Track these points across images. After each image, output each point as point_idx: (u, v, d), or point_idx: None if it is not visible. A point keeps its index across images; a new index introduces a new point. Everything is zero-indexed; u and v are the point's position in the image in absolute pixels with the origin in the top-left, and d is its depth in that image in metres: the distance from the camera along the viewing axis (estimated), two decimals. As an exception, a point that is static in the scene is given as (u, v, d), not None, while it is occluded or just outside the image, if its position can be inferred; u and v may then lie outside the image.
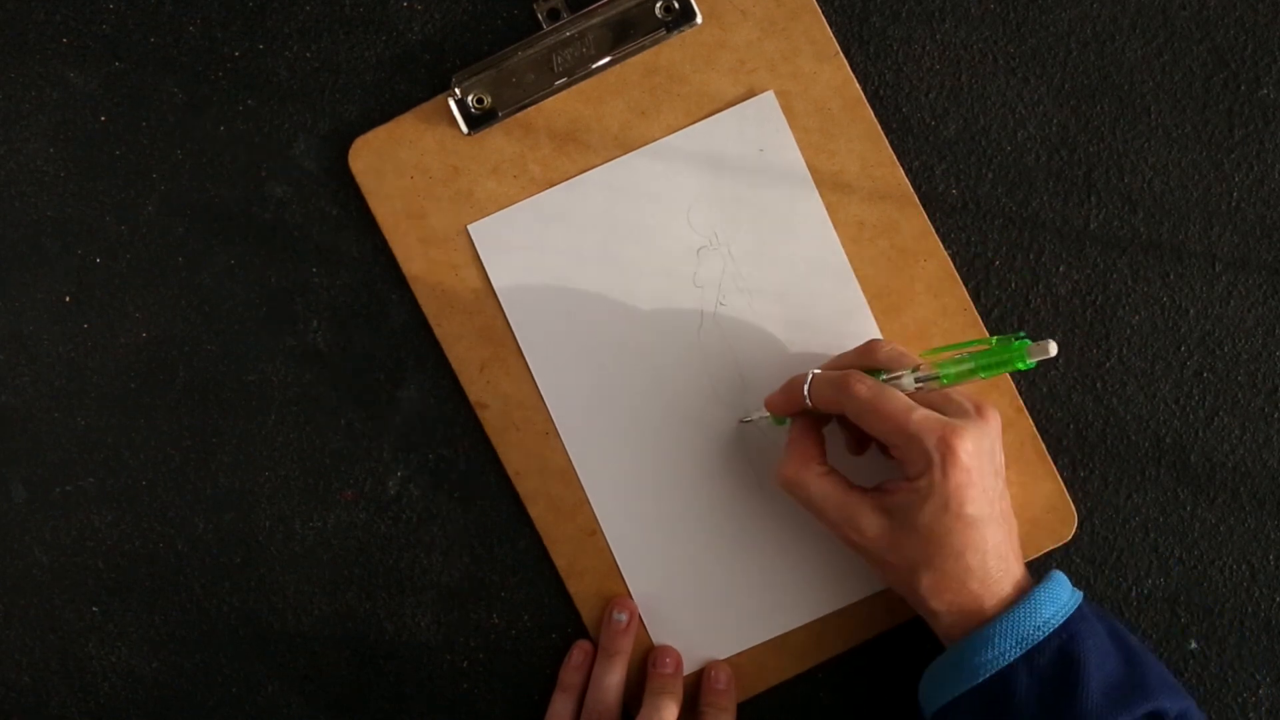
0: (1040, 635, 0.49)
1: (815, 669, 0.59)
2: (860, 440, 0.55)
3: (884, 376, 0.52)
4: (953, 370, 0.50)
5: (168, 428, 0.59)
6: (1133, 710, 0.49)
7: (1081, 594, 0.52)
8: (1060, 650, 0.49)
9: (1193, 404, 0.58)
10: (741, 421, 0.57)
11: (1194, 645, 0.58)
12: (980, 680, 0.50)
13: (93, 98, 0.59)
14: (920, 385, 0.51)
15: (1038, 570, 0.55)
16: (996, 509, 0.51)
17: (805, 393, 0.52)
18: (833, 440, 0.55)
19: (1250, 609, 0.58)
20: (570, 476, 0.58)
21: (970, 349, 0.51)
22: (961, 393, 0.52)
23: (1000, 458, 0.52)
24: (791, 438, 0.54)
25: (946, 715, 0.51)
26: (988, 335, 0.57)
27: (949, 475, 0.49)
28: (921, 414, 0.50)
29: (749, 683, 0.58)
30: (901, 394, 0.51)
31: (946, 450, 0.49)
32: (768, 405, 0.55)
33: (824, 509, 0.52)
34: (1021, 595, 0.51)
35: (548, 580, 0.59)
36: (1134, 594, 0.58)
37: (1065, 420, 0.58)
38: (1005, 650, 0.49)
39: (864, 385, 0.51)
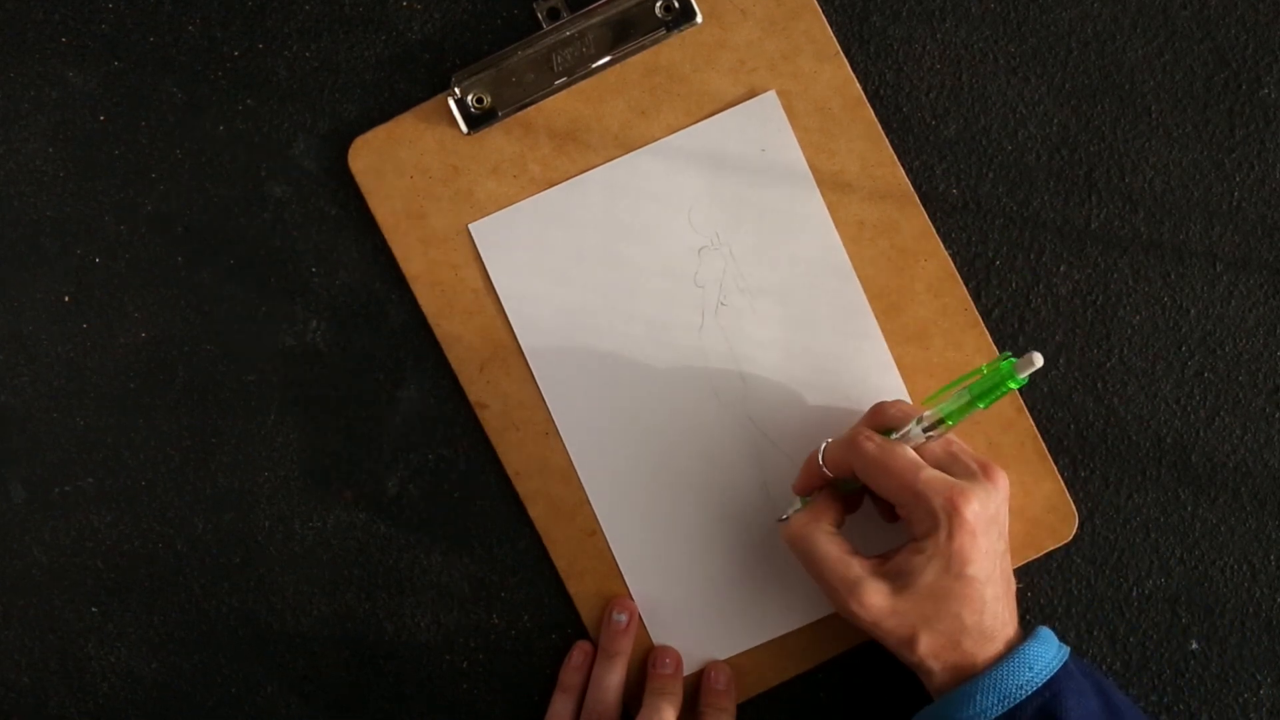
0: (1023, 694, 0.50)
1: (815, 670, 0.58)
2: (888, 507, 0.55)
3: (894, 435, 0.52)
4: (953, 408, 0.50)
5: (167, 428, 0.59)
6: None
7: (1068, 650, 0.52)
8: (1042, 709, 0.49)
9: (1194, 404, 0.58)
10: (780, 520, 0.55)
11: (1195, 645, 0.58)
12: None
13: (92, 97, 0.58)
14: (930, 434, 0.51)
15: (1028, 600, 0.55)
16: (997, 570, 0.51)
17: (820, 460, 0.53)
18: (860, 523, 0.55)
19: (1251, 609, 0.58)
20: (570, 477, 0.58)
21: (964, 383, 0.50)
22: (969, 454, 0.52)
23: (1005, 519, 0.52)
24: (814, 499, 0.54)
25: None
26: (988, 339, 0.57)
27: (954, 536, 0.49)
28: (929, 474, 0.50)
29: (749, 683, 0.58)
30: (911, 452, 0.51)
31: (953, 511, 0.49)
32: (795, 490, 0.55)
33: (823, 568, 0.52)
34: (1009, 651, 0.51)
35: (548, 580, 0.59)
36: (1135, 594, 0.58)
37: (1066, 420, 0.58)
38: (988, 707, 0.50)
39: (872, 443, 0.51)
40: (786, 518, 0.54)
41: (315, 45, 0.58)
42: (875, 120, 0.57)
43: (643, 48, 0.57)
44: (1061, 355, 0.58)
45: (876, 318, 0.58)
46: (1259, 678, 0.58)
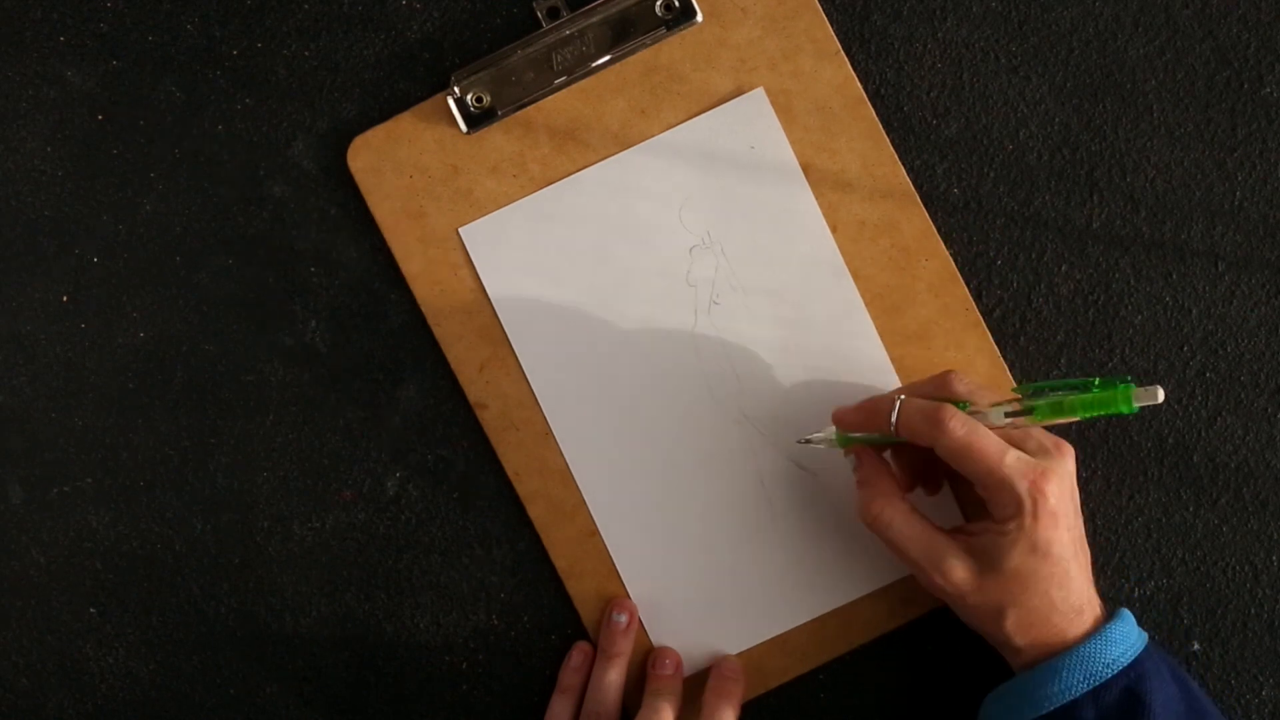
0: (1109, 673, 0.50)
1: (816, 670, 0.58)
2: (915, 477, 0.55)
3: (968, 409, 0.51)
4: (1045, 406, 0.50)
5: (166, 428, 0.59)
6: None
7: (1147, 634, 0.52)
8: (1127, 690, 0.50)
9: (1195, 404, 0.58)
10: (800, 441, 0.55)
11: (1196, 646, 0.58)
12: (1045, 711, 0.50)
13: (90, 96, 0.58)
14: (1008, 421, 0.51)
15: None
16: (1078, 545, 0.51)
17: (892, 420, 0.52)
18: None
19: (1253, 610, 0.58)
20: (569, 477, 0.58)
21: (1069, 388, 0.50)
22: (1038, 431, 0.52)
23: (1077, 493, 0.52)
24: (866, 472, 0.53)
25: None
26: (989, 339, 0.57)
27: (1039, 520, 0.49)
28: (1013, 456, 0.50)
29: (749, 684, 0.58)
30: (994, 435, 0.50)
31: (1037, 494, 0.49)
32: (837, 420, 0.54)
33: (908, 548, 0.52)
34: (1092, 629, 0.51)
35: (547, 581, 0.59)
36: (1136, 595, 0.58)
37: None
38: (1073, 684, 0.50)
39: (959, 422, 0.50)
40: (810, 440, 0.54)
41: (314, 44, 0.58)
42: (876, 119, 0.57)
43: (643, 46, 0.57)
44: (1063, 355, 0.58)
45: (877, 318, 0.57)
46: (1261, 679, 0.58)
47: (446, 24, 0.58)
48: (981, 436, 0.50)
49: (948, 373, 0.53)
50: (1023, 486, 0.49)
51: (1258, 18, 0.58)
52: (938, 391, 0.52)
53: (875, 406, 0.53)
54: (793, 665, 0.58)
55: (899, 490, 0.53)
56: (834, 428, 0.55)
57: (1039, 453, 0.51)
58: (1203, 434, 0.58)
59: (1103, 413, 0.49)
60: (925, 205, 0.57)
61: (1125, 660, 0.50)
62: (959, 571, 0.51)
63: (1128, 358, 0.58)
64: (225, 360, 0.59)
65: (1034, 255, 0.58)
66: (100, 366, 0.59)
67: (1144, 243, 0.58)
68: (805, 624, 0.58)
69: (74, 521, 0.59)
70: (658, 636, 0.58)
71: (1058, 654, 0.50)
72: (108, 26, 0.58)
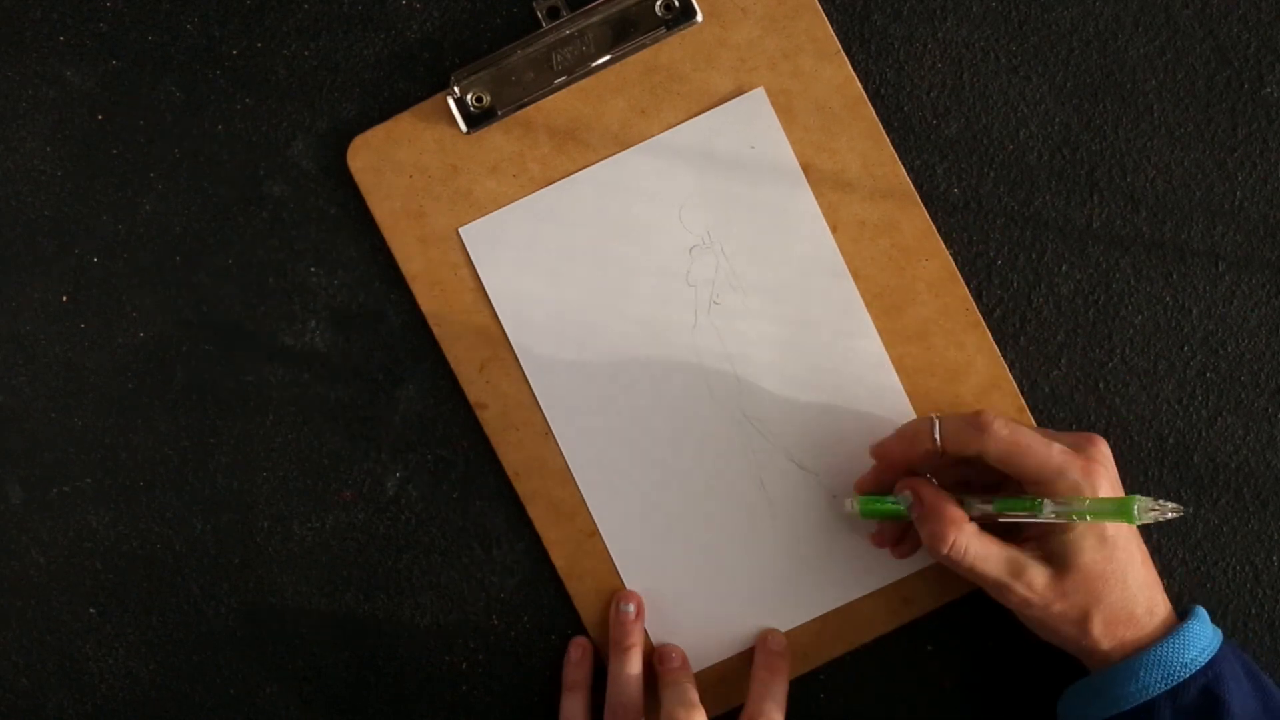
0: (1186, 673, 0.50)
1: (816, 670, 0.58)
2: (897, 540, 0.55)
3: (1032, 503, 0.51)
4: (1067, 509, 0.50)
5: (165, 428, 0.59)
6: None
7: (1221, 632, 0.52)
8: (1205, 690, 0.50)
9: (1196, 404, 0.58)
10: (847, 513, 0.56)
11: (1197, 647, 0.58)
12: (1123, 710, 0.50)
13: (90, 96, 0.58)
14: (1055, 514, 0.50)
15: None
16: (1135, 532, 0.51)
17: (936, 436, 0.51)
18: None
19: (1254, 610, 0.58)
20: (569, 477, 0.58)
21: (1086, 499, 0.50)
22: (1060, 434, 0.52)
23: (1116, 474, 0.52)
24: (929, 505, 0.52)
25: None
26: (989, 339, 0.57)
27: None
28: (1059, 448, 0.50)
29: (748, 684, 0.58)
30: (1034, 431, 0.51)
31: (1094, 481, 0.49)
32: (878, 454, 0.54)
33: (989, 569, 0.51)
34: (1168, 629, 0.51)
35: (547, 581, 0.59)
36: (1136, 595, 0.58)
37: (1068, 420, 0.58)
38: (1150, 684, 0.50)
39: (1002, 423, 0.50)
40: (850, 510, 0.55)
41: (314, 44, 0.58)
42: (876, 119, 0.57)
43: (643, 46, 0.57)
44: (1063, 355, 0.58)
45: (877, 317, 0.57)
46: (1261, 679, 0.58)
47: (446, 24, 0.58)
48: (1026, 433, 0.50)
49: (981, 413, 0.52)
50: (1077, 475, 0.49)
51: (1258, 17, 0.57)
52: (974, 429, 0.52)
53: (914, 429, 0.53)
54: (793, 665, 0.58)
55: (964, 515, 0.52)
56: (855, 497, 0.55)
57: (1076, 447, 0.51)
58: (1203, 434, 0.58)
59: (1111, 519, 0.49)
60: (925, 205, 0.57)
61: (1203, 660, 0.50)
62: (1040, 579, 0.50)
63: (1128, 358, 0.58)
64: (225, 360, 0.59)
65: (1034, 255, 0.58)
66: (100, 366, 0.59)
67: (1144, 243, 0.58)
68: (805, 624, 0.58)
69: (74, 521, 0.59)
70: (658, 636, 0.58)
71: (1135, 653, 0.50)
72: (107, 26, 0.58)
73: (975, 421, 0.51)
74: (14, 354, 0.59)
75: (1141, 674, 0.50)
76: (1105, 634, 0.51)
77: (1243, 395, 0.58)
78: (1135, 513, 0.48)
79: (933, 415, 0.52)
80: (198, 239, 0.58)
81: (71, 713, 0.60)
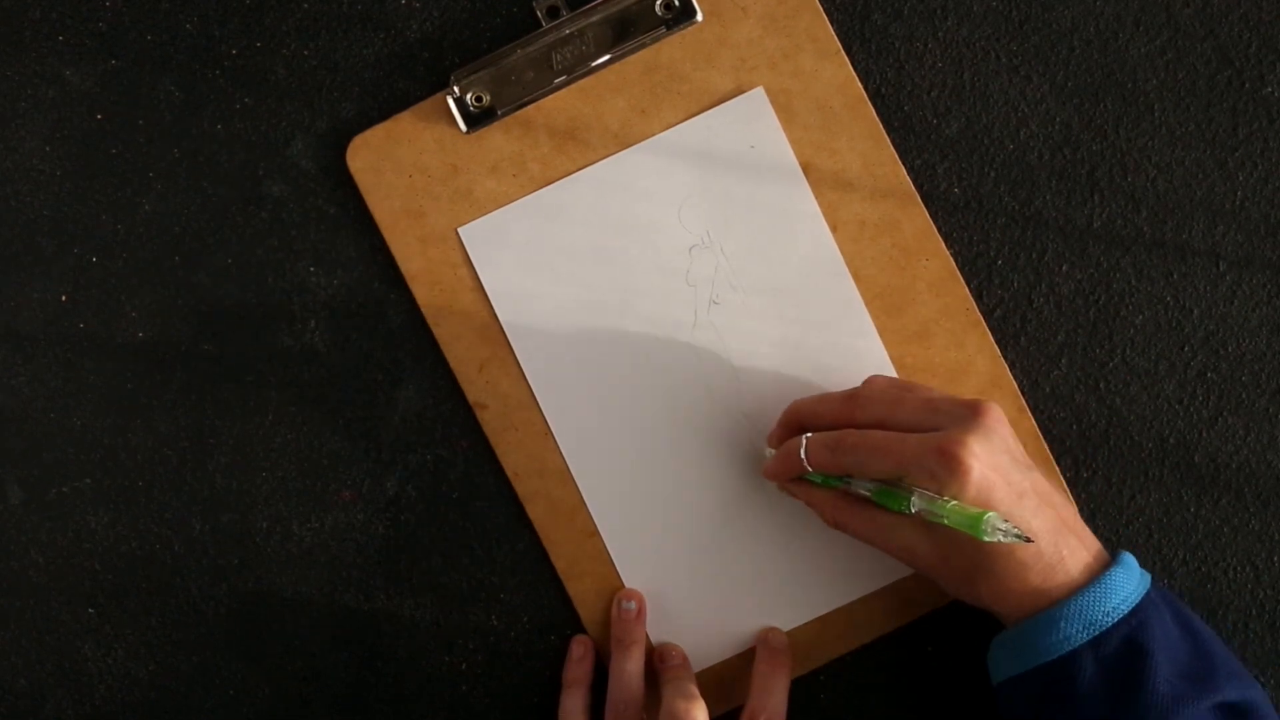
0: (1108, 622, 0.49)
1: (816, 670, 0.58)
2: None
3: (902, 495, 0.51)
4: (923, 503, 0.49)
5: (165, 428, 0.59)
6: (1199, 702, 0.48)
7: (1149, 577, 0.51)
8: (1127, 639, 0.49)
9: (1196, 404, 0.58)
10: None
11: (1198, 647, 0.58)
12: (1045, 661, 0.50)
13: (89, 96, 0.58)
14: (922, 512, 0.50)
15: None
16: (1030, 498, 0.50)
17: (803, 457, 0.53)
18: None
19: (1255, 610, 0.58)
20: (569, 477, 0.58)
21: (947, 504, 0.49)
22: (950, 400, 0.52)
23: (1016, 445, 0.51)
24: (804, 497, 0.55)
25: (1011, 687, 0.52)
26: (990, 339, 0.57)
27: (964, 486, 0.48)
28: (914, 439, 0.49)
29: (748, 685, 0.58)
30: (889, 432, 0.50)
31: (952, 462, 0.48)
32: (765, 473, 0.56)
33: (873, 541, 0.53)
34: (1090, 578, 0.50)
35: (547, 582, 0.59)
36: (1137, 595, 0.58)
37: (1068, 420, 0.58)
38: (1071, 634, 0.49)
39: (855, 436, 0.51)
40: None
41: (313, 44, 0.58)
42: (876, 119, 0.57)
43: (643, 46, 0.57)
44: (1064, 355, 0.58)
45: (878, 317, 0.57)
46: (1262, 679, 0.58)
47: (446, 23, 0.58)
48: (878, 436, 0.50)
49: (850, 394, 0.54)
50: (932, 460, 0.48)
51: (1259, 17, 0.57)
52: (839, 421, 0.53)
53: (786, 451, 0.54)
54: (793, 665, 0.58)
55: (837, 494, 0.53)
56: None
57: (951, 422, 0.50)
58: (1204, 434, 0.58)
59: (963, 527, 0.48)
60: (926, 205, 0.57)
61: (1125, 608, 0.49)
62: (920, 546, 0.51)
63: (1128, 358, 0.58)
64: (224, 360, 0.58)
65: (1035, 255, 0.58)
66: (99, 366, 0.59)
67: (1145, 242, 0.58)
68: (805, 624, 0.58)
69: (73, 522, 0.59)
70: (658, 636, 0.58)
71: (1055, 603, 0.50)
72: (106, 26, 0.58)
73: (829, 443, 0.52)
74: (13, 354, 0.59)
75: (1061, 624, 0.49)
76: (996, 599, 0.50)
77: (1243, 395, 0.58)
78: (985, 529, 0.47)
79: (804, 435, 0.53)
80: (197, 239, 0.58)
81: (70, 713, 0.59)
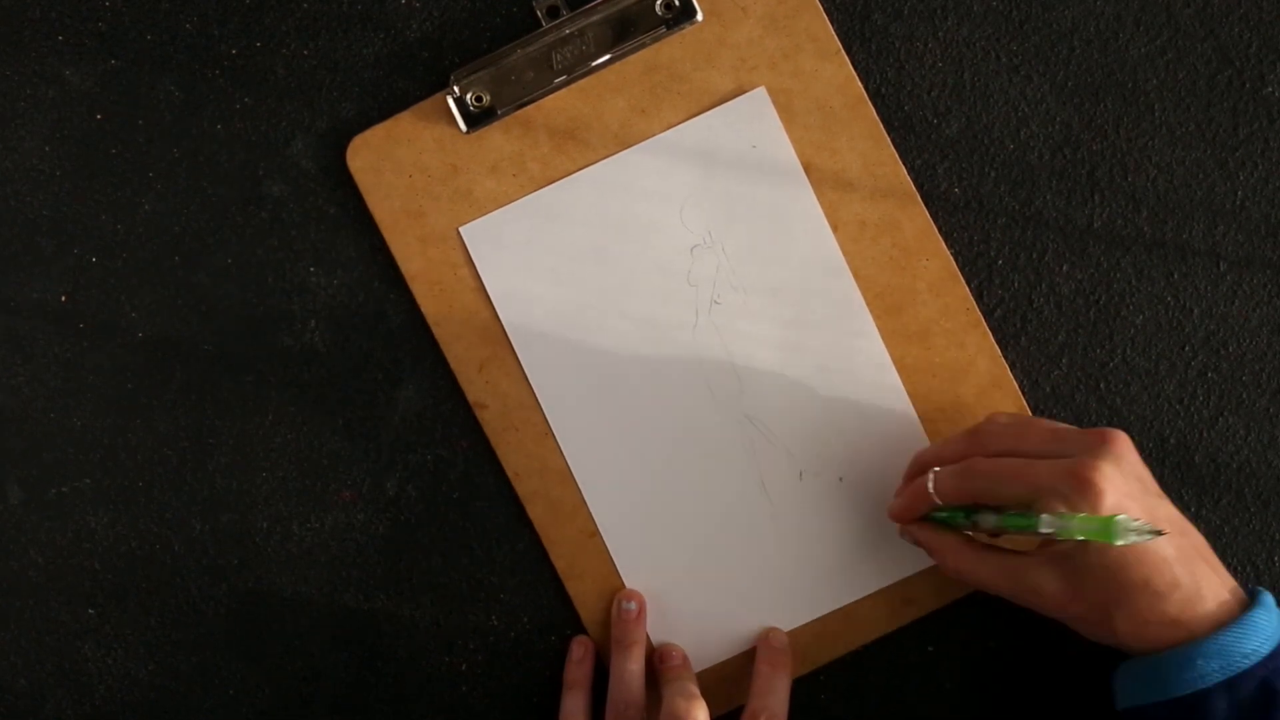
0: (1246, 664, 0.48)
1: (816, 671, 0.58)
2: None
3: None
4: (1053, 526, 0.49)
5: (164, 428, 0.59)
6: None
7: None
8: (1264, 683, 0.48)
9: (1197, 404, 0.58)
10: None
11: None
12: (1176, 695, 0.49)
13: (89, 96, 0.58)
14: (1051, 531, 0.49)
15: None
16: (1164, 524, 0.49)
17: (931, 490, 0.52)
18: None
19: (1255, 611, 0.58)
20: (569, 477, 0.58)
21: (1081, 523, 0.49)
22: (1074, 430, 0.52)
23: (1146, 472, 0.51)
24: (923, 541, 0.54)
25: (1137, 716, 0.51)
26: (990, 339, 0.57)
27: (1098, 510, 0.47)
28: (1045, 464, 0.49)
29: (748, 685, 0.58)
30: (1018, 459, 0.50)
31: (1085, 486, 0.47)
32: (892, 515, 0.55)
33: (999, 586, 0.51)
34: (1229, 616, 0.49)
35: (547, 582, 0.59)
36: (1138, 595, 0.58)
37: (1069, 420, 0.58)
38: (1208, 673, 0.48)
39: (986, 462, 0.51)
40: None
41: (313, 43, 0.58)
42: (877, 119, 0.57)
43: (643, 46, 0.57)
44: (1064, 355, 0.58)
45: (878, 317, 0.57)
46: None
47: (446, 23, 0.58)
48: (1006, 462, 0.50)
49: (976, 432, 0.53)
50: (1063, 482, 0.48)
51: (1259, 17, 0.57)
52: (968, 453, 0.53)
53: (914, 492, 0.53)
54: (794, 665, 0.58)
55: (959, 539, 0.53)
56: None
57: (1080, 450, 0.49)
58: (1205, 434, 0.58)
59: (1094, 538, 0.47)
60: (926, 205, 0.57)
61: (1265, 650, 0.48)
62: (1050, 585, 0.50)
63: (1129, 358, 0.58)
64: (224, 360, 0.58)
65: (1035, 255, 0.58)
66: (99, 366, 0.59)
67: (1145, 242, 0.58)
68: (805, 624, 0.58)
69: (72, 522, 0.59)
70: (659, 637, 0.58)
71: (1190, 641, 0.49)
72: (106, 26, 0.58)
73: (958, 471, 0.51)
74: (13, 354, 0.59)
75: (1199, 662, 0.48)
76: (1132, 633, 0.49)
77: (1244, 395, 0.58)
78: (1116, 531, 0.46)
79: (931, 471, 0.52)
80: (197, 239, 0.58)
81: (70, 713, 0.59)
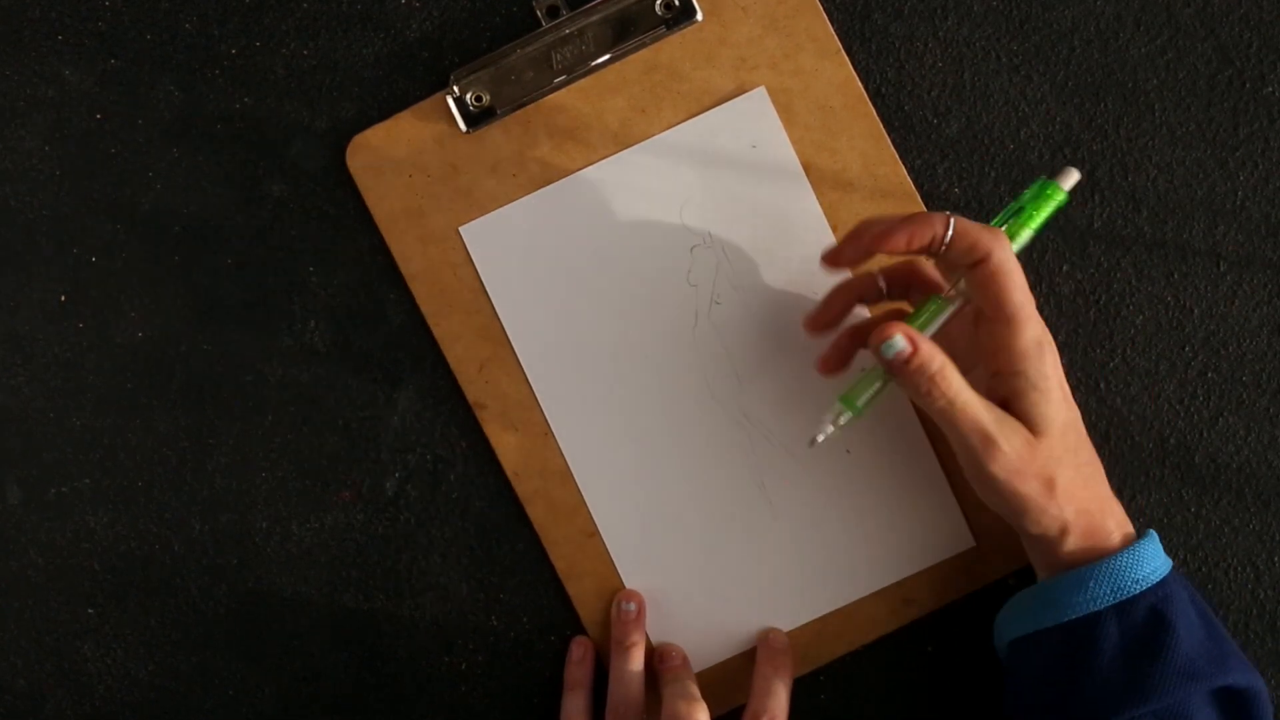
0: (1136, 589, 0.49)
1: (816, 671, 0.58)
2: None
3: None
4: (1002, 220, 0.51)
5: (164, 428, 0.59)
6: (1210, 681, 0.49)
7: (1171, 561, 0.52)
8: (1152, 609, 0.49)
9: (1197, 404, 0.58)
10: (813, 443, 0.52)
11: (1198, 647, 0.58)
12: (1066, 619, 0.50)
13: (88, 95, 0.58)
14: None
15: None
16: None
17: (947, 237, 0.49)
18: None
19: (1255, 610, 0.58)
20: (569, 477, 0.58)
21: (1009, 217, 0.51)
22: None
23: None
24: (924, 354, 0.49)
25: (1024, 646, 0.52)
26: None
27: (1058, 368, 0.50)
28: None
29: (747, 686, 0.58)
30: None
31: (1051, 342, 0.50)
32: (863, 235, 0.50)
33: (979, 420, 0.49)
34: (1123, 546, 0.51)
35: (547, 582, 0.59)
36: (1138, 595, 0.58)
37: (1068, 420, 0.58)
38: (1099, 596, 0.49)
39: (1007, 245, 0.49)
40: (823, 437, 0.52)
41: (313, 43, 0.58)
42: (877, 118, 0.57)
43: (643, 45, 0.57)
44: (1064, 355, 0.58)
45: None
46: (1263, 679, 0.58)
47: (446, 23, 0.58)
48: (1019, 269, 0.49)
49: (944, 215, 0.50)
50: (1042, 331, 0.49)
51: (1259, 17, 0.57)
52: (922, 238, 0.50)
53: (925, 218, 0.49)
54: (794, 665, 0.58)
55: (951, 363, 0.50)
56: (838, 404, 0.52)
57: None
58: (1205, 434, 0.58)
59: (1049, 209, 0.51)
60: (926, 204, 0.57)
61: (1154, 579, 0.50)
62: (1017, 437, 0.49)
63: (1129, 358, 0.58)
64: (224, 360, 0.58)
65: (1035, 254, 0.58)
66: (98, 366, 0.59)
67: (1145, 242, 0.58)
68: (805, 624, 0.58)
69: (72, 522, 0.59)
70: (658, 637, 0.58)
71: (1085, 564, 0.50)
72: (106, 25, 0.58)
73: (995, 230, 0.49)
74: (12, 354, 0.59)
75: (1091, 584, 0.49)
76: (1068, 499, 0.50)
77: (1244, 395, 0.58)
78: (1060, 185, 0.50)
79: (948, 214, 0.49)
80: (196, 238, 0.58)
81: (70, 714, 0.59)
